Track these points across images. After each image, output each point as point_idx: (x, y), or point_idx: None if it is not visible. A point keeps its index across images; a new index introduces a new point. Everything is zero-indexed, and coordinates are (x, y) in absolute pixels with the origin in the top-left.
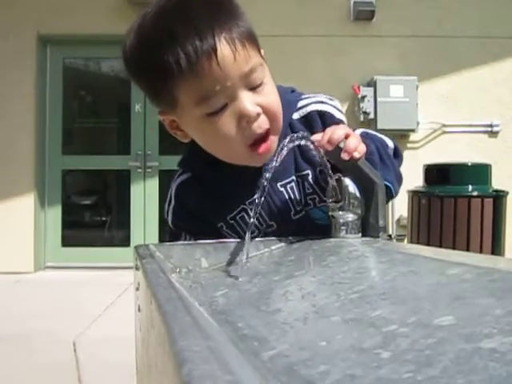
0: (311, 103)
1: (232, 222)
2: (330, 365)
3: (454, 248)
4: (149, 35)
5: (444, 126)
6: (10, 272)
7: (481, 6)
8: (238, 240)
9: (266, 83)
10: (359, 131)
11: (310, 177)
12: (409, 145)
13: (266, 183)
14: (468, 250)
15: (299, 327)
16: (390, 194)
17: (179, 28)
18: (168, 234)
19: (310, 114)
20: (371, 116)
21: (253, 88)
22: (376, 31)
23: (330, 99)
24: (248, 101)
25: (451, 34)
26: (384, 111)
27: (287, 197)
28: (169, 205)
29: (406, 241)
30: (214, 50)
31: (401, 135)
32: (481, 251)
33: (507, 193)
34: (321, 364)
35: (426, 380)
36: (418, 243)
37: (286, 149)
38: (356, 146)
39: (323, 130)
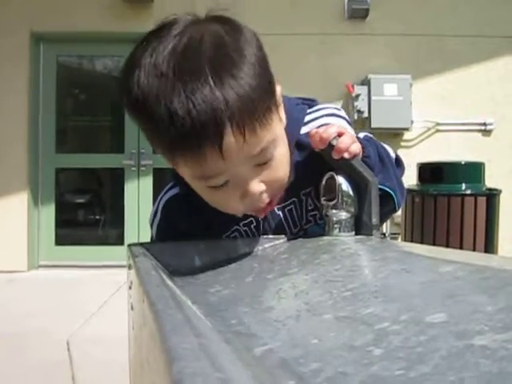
0: (321, 116)
1: None
2: (322, 362)
3: (447, 246)
4: (149, 90)
5: (438, 124)
6: (3, 271)
7: (474, 4)
8: (231, 239)
9: (275, 157)
10: (362, 134)
11: (313, 193)
12: (403, 143)
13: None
14: (461, 247)
15: (292, 325)
16: (393, 204)
17: (176, 96)
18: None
19: (316, 128)
20: (365, 115)
21: (260, 164)
22: (370, 30)
23: (338, 109)
24: (252, 181)
25: (445, 32)
26: (378, 110)
27: (284, 222)
28: (154, 217)
29: (399, 239)
30: (218, 140)
31: (395, 134)
32: (474, 249)
33: (500, 191)
34: (313, 361)
35: (418, 377)
36: (411, 241)
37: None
38: (347, 146)
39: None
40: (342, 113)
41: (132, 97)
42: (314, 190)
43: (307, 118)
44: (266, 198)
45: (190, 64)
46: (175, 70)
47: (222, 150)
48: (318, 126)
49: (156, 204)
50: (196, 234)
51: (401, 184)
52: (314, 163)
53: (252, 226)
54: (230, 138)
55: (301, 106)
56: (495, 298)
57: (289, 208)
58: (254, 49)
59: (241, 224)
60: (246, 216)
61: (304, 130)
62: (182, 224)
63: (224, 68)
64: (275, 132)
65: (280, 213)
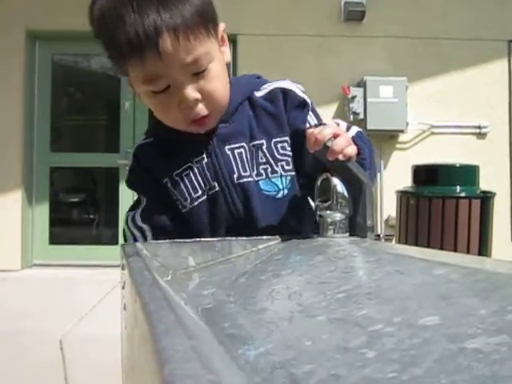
0: (275, 82)
1: (177, 178)
2: (315, 364)
3: (441, 248)
4: (108, 11)
5: (433, 126)
6: None
7: (470, 8)
8: (225, 239)
9: (210, 69)
10: (355, 130)
11: (265, 146)
12: (398, 145)
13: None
14: (455, 250)
15: (285, 326)
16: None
17: (128, 13)
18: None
19: (273, 90)
20: (361, 116)
21: (196, 73)
22: (366, 32)
23: (293, 82)
24: (188, 87)
25: (440, 35)
26: (374, 112)
27: (233, 161)
28: (129, 167)
29: (394, 241)
30: (156, 42)
31: (390, 136)
32: (468, 251)
33: (495, 194)
34: (306, 363)
35: (411, 380)
36: (406, 243)
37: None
38: (342, 148)
39: (285, 107)
40: (298, 84)
41: (94, 16)
42: (266, 143)
43: (264, 86)
44: (202, 109)
45: None
46: None
47: (159, 51)
48: (273, 89)
49: (131, 152)
50: (156, 171)
51: (375, 168)
52: (266, 122)
53: (203, 163)
54: (166, 41)
55: (259, 79)
56: (488, 301)
57: (238, 151)
58: None
59: (194, 161)
60: (199, 153)
61: (258, 94)
62: (147, 163)
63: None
64: (209, 48)
65: (229, 153)
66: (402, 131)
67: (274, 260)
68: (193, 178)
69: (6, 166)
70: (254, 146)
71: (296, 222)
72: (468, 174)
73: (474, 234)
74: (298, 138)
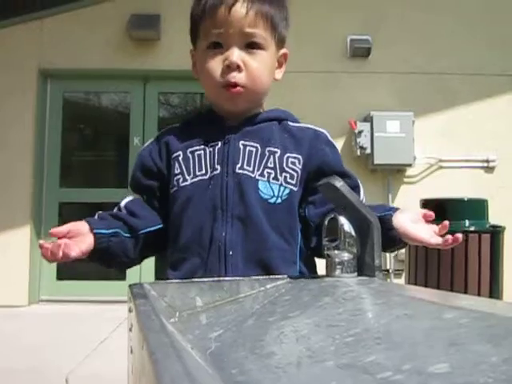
0: (311, 124)
1: (189, 154)
2: None
3: (451, 283)
4: None
5: (441, 160)
6: (3, 305)
7: (474, 43)
8: (233, 279)
9: (261, 53)
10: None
11: (277, 155)
12: (405, 179)
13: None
14: (466, 284)
15: (293, 372)
16: None
17: None
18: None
19: (306, 127)
20: (368, 151)
21: (248, 47)
22: (372, 67)
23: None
24: (236, 52)
25: (446, 70)
26: (381, 146)
27: (241, 153)
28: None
29: (403, 275)
30: (233, 2)
31: (397, 170)
32: (479, 286)
33: (504, 228)
34: None
35: None
36: (415, 278)
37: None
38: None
39: (313, 141)
40: None
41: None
42: (281, 154)
43: (299, 121)
44: (240, 77)
45: None
46: None
47: (231, 9)
48: (307, 126)
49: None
50: (172, 144)
51: None
52: (286, 139)
53: (216, 148)
54: (240, 5)
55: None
56: (500, 348)
57: (250, 148)
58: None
59: (209, 145)
60: (216, 140)
61: (291, 123)
62: (170, 141)
63: None
64: (268, 41)
65: (241, 147)
66: (409, 165)
67: (282, 301)
68: (202, 157)
69: (15, 200)
70: (268, 150)
71: (278, 235)
72: (477, 207)
73: (485, 268)
74: (322, 170)
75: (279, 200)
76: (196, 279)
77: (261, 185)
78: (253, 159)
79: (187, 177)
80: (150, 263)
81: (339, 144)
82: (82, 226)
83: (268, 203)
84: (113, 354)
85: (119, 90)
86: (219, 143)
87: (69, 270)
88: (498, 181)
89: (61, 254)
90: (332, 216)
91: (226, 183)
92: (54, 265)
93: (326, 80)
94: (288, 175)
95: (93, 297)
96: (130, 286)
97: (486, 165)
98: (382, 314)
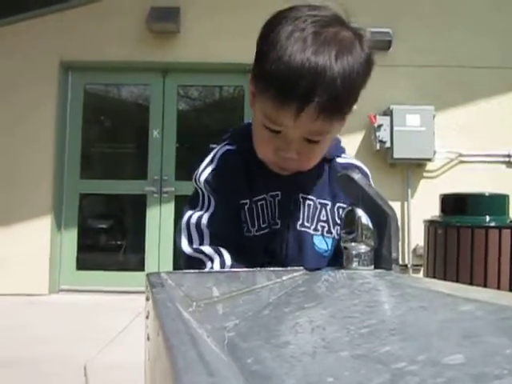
0: (352, 159)
1: (254, 205)
2: None
3: (471, 278)
4: (286, 36)
5: (461, 155)
6: (24, 294)
7: (494, 36)
8: (250, 269)
9: (323, 143)
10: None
11: (329, 207)
12: (425, 174)
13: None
14: (485, 280)
15: (307, 362)
16: None
17: (303, 55)
18: (190, 197)
19: (351, 164)
20: (387, 145)
21: (309, 141)
22: (392, 61)
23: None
24: (293, 147)
25: (467, 63)
26: (400, 140)
27: (301, 209)
28: (208, 165)
29: (422, 270)
30: (303, 106)
31: (417, 164)
32: (499, 282)
33: None
34: None
35: None
36: (434, 273)
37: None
38: None
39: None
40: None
41: (272, 32)
42: (331, 205)
43: (343, 155)
44: (292, 165)
45: (323, 37)
46: (312, 34)
47: (299, 114)
48: (351, 163)
49: (211, 156)
50: (238, 187)
51: None
52: (335, 186)
53: (277, 199)
54: (311, 111)
55: (339, 141)
56: None
57: (308, 202)
58: (366, 67)
59: (269, 194)
60: (276, 189)
61: (339, 160)
62: (239, 180)
63: (345, 57)
64: (334, 132)
65: (301, 200)
66: (429, 160)
67: (298, 292)
68: (265, 209)
69: (36, 191)
70: (319, 203)
71: None
72: (498, 203)
73: (505, 264)
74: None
75: (330, 252)
76: (213, 270)
77: (316, 239)
78: (310, 214)
79: (251, 228)
80: (168, 255)
81: (358, 138)
82: None
83: (322, 256)
84: (131, 344)
85: (139, 82)
86: (279, 193)
87: (88, 260)
88: None
89: None
90: (350, 208)
91: (286, 239)
92: (74, 255)
93: None
94: (339, 227)
95: (112, 287)
96: (147, 274)
97: (507, 160)
98: (398, 305)
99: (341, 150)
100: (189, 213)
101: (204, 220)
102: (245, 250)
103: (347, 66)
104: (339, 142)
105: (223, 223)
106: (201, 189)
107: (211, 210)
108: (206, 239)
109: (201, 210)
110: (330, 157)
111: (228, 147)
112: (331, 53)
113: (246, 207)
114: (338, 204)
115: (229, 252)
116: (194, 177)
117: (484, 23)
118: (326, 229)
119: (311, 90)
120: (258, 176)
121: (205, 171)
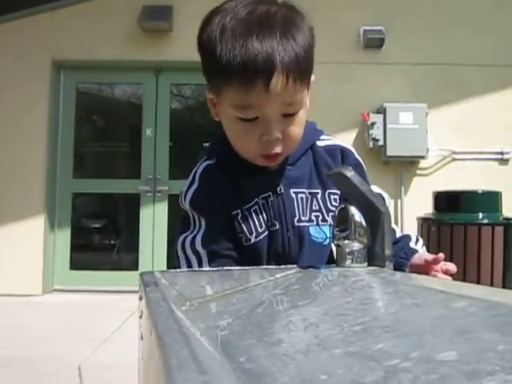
0: (333, 139)
1: (246, 213)
2: None
3: (464, 275)
4: (230, 30)
5: (454, 152)
6: (18, 294)
7: (487, 33)
8: (244, 268)
9: (299, 115)
10: (421, 243)
11: (320, 196)
12: (418, 171)
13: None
14: (479, 277)
15: (301, 360)
16: None
17: (250, 38)
18: (180, 220)
19: (334, 146)
20: (380, 143)
21: (286, 115)
22: (385, 59)
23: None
24: (275, 126)
25: (460, 61)
26: (393, 138)
27: (295, 204)
28: (190, 185)
29: None
30: (269, 77)
31: (410, 162)
32: (492, 278)
33: None
34: None
35: None
36: None
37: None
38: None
39: (342, 164)
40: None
41: (211, 29)
42: (321, 193)
43: (323, 137)
44: (277, 147)
45: (266, 20)
46: (255, 20)
47: (269, 84)
48: (334, 145)
49: (192, 175)
50: (225, 200)
51: None
52: (323, 173)
53: (269, 201)
54: (277, 78)
55: (314, 124)
56: (507, 336)
57: (301, 195)
58: (309, 34)
59: (260, 197)
60: (266, 190)
61: (320, 143)
62: (216, 188)
63: (290, 33)
64: (304, 97)
65: (294, 196)
66: (422, 157)
67: (291, 290)
68: (259, 213)
69: (29, 191)
70: (310, 193)
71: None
72: (490, 200)
73: (498, 261)
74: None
75: (330, 240)
76: (205, 268)
77: (312, 230)
78: (304, 206)
79: (249, 236)
80: (162, 254)
81: (352, 136)
82: None
83: (322, 245)
84: (125, 343)
85: (132, 81)
86: (270, 194)
87: (82, 259)
88: (511, 173)
89: None
90: (343, 206)
91: (287, 238)
92: (68, 255)
93: (338, 71)
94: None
95: (106, 287)
96: (141, 274)
97: (499, 157)
98: (391, 303)
99: (319, 133)
100: (182, 236)
101: (197, 241)
102: (247, 258)
103: (293, 26)
104: (315, 124)
105: (218, 239)
106: (189, 210)
107: (203, 229)
108: (205, 259)
109: (192, 231)
110: (310, 142)
111: (208, 162)
112: (275, 21)
113: (239, 217)
114: (328, 191)
115: (231, 264)
116: (180, 199)
117: (477, 21)
118: (320, 218)
119: (269, 59)
120: (245, 183)
121: (188, 192)
